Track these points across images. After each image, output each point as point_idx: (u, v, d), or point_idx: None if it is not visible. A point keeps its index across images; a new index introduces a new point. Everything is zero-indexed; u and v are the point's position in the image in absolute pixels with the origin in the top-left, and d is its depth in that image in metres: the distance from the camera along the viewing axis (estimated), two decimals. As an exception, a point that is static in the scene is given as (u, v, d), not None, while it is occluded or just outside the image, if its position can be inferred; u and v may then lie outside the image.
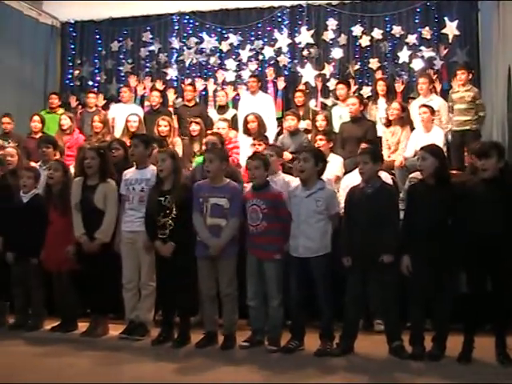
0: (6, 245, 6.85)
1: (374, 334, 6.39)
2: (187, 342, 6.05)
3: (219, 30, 12.33)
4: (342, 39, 11.69)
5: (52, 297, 6.83)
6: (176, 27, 12.56)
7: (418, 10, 11.43)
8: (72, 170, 7.26)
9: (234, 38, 12.21)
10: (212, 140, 7.10)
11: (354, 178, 6.39)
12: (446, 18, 11.10)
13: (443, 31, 11.13)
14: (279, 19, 12.05)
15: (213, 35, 12.34)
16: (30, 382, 4.98)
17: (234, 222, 5.96)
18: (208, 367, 5.41)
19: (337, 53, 11.68)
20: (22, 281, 6.83)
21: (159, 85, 11.68)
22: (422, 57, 11.15)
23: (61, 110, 10.73)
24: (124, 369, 5.43)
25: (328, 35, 11.76)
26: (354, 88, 10.80)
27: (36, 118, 9.83)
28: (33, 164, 8.00)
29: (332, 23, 11.76)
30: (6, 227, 6.83)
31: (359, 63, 11.61)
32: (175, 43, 12.50)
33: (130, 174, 6.48)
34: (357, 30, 11.63)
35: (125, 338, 6.26)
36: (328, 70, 11.63)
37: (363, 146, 7.39)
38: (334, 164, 7.90)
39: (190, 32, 12.49)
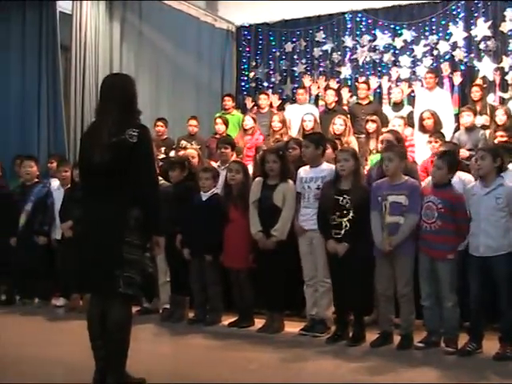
0: (184, 241, 7.11)
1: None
2: (362, 341, 6.05)
3: (392, 26, 12.21)
4: (522, 29, 11.23)
5: (230, 292, 7.05)
6: (349, 26, 12.58)
7: None
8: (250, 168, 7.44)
9: (407, 34, 12.04)
10: (387, 138, 7.02)
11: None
12: None
13: None
14: (454, 12, 11.73)
15: (386, 32, 12.24)
16: (212, 375, 5.15)
17: (412, 219, 5.85)
18: (384, 367, 5.37)
19: (516, 44, 11.23)
20: (199, 277, 7.04)
21: (333, 84, 11.71)
22: None
23: (235, 111, 11.04)
24: (302, 365, 5.52)
25: (506, 26, 11.30)
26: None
27: (219, 120, 10.05)
28: (213, 163, 8.28)
29: (510, 14, 11.26)
30: (184, 225, 7.10)
31: (541, 54, 11.10)
32: (348, 42, 12.52)
33: (304, 172, 6.54)
34: (538, 19, 11.12)
35: (303, 335, 6.34)
36: (507, 62, 11.17)
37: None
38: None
39: (363, 30, 12.46)
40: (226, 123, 10.01)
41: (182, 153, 8.55)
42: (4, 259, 8.27)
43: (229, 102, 11.05)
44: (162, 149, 9.77)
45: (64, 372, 5.30)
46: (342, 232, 6.05)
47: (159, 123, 10.24)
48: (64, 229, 7.82)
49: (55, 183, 8.47)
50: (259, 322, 6.75)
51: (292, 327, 6.58)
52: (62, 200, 8.03)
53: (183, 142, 9.85)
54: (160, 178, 7.18)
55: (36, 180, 8.47)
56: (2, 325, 7.26)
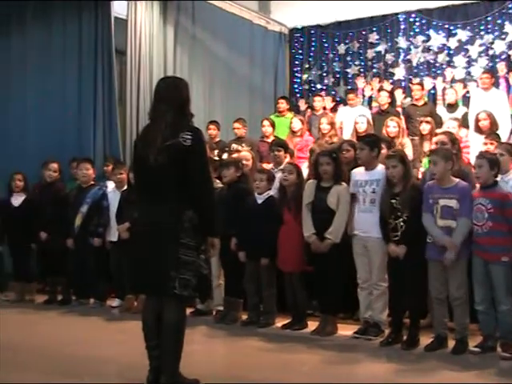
0: (239, 244, 7.12)
1: None
2: (416, 345, 5.98)
3: (447, 26, 12.06)
4: None
5: (283, 294, 7.02)
6: (402, 26, 12.47)
7: None
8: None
9: (462, 34, 11.89)
10: (442, 139, 6.93)
11: None
12: None
13: None
14: (510, 11, 11.51)
15: (440, 32, 12.10)
16: (264, 376, 5.16)
17: (464, 223, 5.77)
18: (439, 371, 5.31)
19: None
20: (254, 279, 7.04)
21: (387, 85, 11.63)
22: None
23: (289, 114, 11.02)
24: (355, 368, 5.49)
25: None
26: None
27: (266, 122, 10.10)
28: (264, 166, 8.29)
29: None
30: (239, 227, 7.11)
31: None
32: (402, 43, 12.43)
33: (359, 174, 6.50)
34: None
35: (357, 338, 6.30)
36: None
37: None
38: None
39: (417, 30, 12.34)
40: (272, 125, 10.03)
41: (235, 155, 8.57)
42: (60, 260, 8.43)
43: (282, 105, 11.05)
44: (215, 151, 9.82)
45: (118, 371, 5.37)
46: (399, 233, 6.01)
47: (211, 126, 10.32)
48: (121, 230, 7.92)
49: (111, 185, 8.58)
50: (312, 325, 6.73)
51: (345, 330, 6.55)
52: (119, 202, 8.12)
53: (234, 146, 9.89)
54: (215, 180, 7.27)
55: (92, 183, 8.57)
56: (58, 324, 7.41)
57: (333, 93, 12.88)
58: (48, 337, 6.66)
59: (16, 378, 5.09)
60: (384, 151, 6.83)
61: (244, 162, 7.65)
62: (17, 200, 8.82)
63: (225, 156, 9.57)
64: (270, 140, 9.63)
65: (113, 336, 6.70)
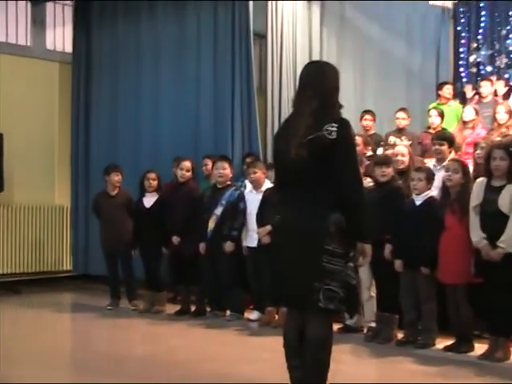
0: (394, 251, 7.00)
1: None
2: None
3: None
4: None
5: (445, 311, 6.88)
6: None
7: None
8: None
9: None
10: None
11: None
12: None
13: None
14: None
15: None
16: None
17: None
18: None
19: None
20: (411, 292, 6.95)
21: None
22: None
23: (452, 102, 10.80)
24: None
25: None
26: None
27: (433, 112, 9.86)
28: (427, 161, 8.14)
29: None
30: (394, 232, 7.02)
31: None
32: None
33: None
34: None
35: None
36: None
37: None
38: None
39: None
40: (441, 115, 9.81)
41: (390, 151, 8.48)
42: (193, 266, 8.59)
43: (447, 91, 10.86)
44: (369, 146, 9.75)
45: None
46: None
47: (367, 116, 10.26)
48: (261, 235, 7.97)
49: (249, 186, 8.64)
50: (480, 348, 6.55)
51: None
52: (260, 203, 8.18)
53: (391, 138, 9.78)
54: (367, 178, 7.22)
55: (228, 183, 8.65)
56: (191, 338, 7.59)
57: (506, 76, 12.50)
58: (180, 351, 6.84)
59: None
60: None
61: (399, 157, 7.55)
62: (149, 201, 9.05)
63: (379, 151, 9.48)
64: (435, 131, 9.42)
65: (251, 352, 6.79)
